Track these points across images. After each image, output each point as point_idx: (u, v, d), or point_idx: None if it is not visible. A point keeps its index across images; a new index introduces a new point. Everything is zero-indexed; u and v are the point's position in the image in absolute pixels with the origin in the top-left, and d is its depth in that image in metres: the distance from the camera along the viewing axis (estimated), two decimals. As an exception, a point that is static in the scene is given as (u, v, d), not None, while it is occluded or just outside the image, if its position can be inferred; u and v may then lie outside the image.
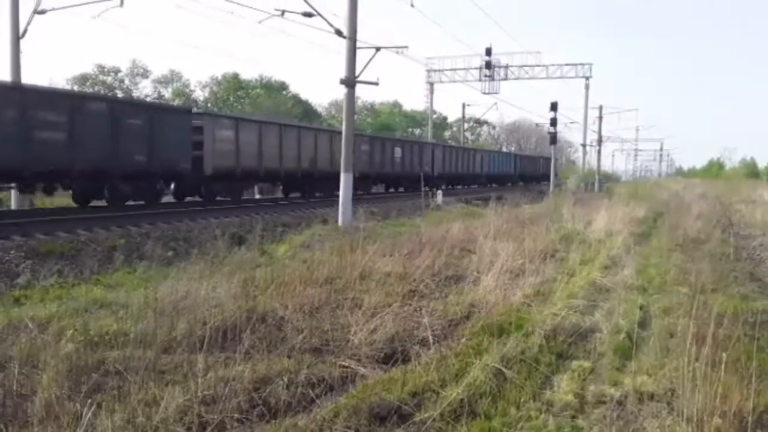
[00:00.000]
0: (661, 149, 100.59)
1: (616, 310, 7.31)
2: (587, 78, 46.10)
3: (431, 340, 6.13)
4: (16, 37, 20.31)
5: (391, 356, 5.76)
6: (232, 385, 4.65)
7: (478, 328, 6.50)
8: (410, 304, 7.21)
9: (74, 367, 4.93)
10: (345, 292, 7.66)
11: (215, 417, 4.26)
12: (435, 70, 47.59)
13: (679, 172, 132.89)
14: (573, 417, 4.70)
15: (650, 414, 4.68)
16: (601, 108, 55.06)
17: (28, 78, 20.30)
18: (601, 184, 52.66)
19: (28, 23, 20.42)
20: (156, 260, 10.06)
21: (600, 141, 57.53)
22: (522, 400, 4.89)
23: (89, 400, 4.13)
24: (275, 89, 60.46)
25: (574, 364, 5.76)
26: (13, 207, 19.57)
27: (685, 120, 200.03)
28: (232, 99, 59.18)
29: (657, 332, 6.45)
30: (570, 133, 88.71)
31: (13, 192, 18.83)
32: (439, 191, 29.84)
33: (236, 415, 4.36)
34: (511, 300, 7.53)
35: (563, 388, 5.20)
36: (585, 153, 56.14)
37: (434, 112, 56.00)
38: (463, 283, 8.61)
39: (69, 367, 4.86)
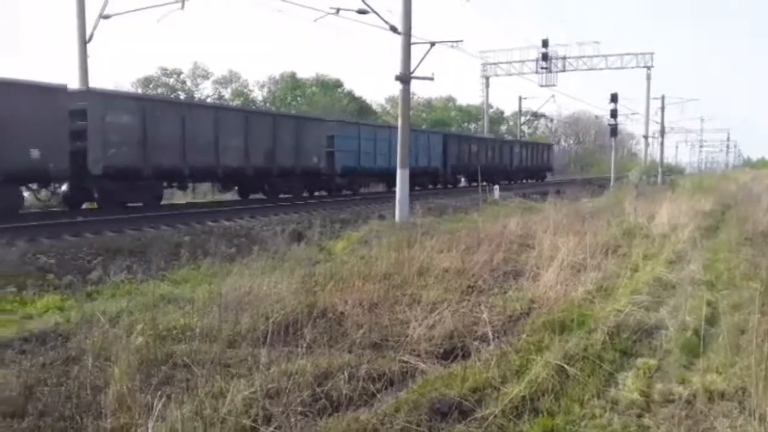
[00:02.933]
0: (728, 139, 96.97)
1: (682, 306, 7.10)
2: (648, 67, 44.69)
3: (491, 336, 6.09)
4: (83, 42, 21.07)
5: (451, 352, 5.75)
6: (295, 378, 4.74)
7: (539, 324, 6.42)
8: (469, 300, 7.18)
9: (144, 360, 5.11)
10: (403, 287, 7.68)
11: (279, 410, 4.35)
12: (490, 64, 47.08)
13: (747, 163, 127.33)
14: (639, 416, 4.60)
15: (720, 413, 4.54)
16: (663, 98, 53.30)
17: (95, 82, 20.99)
18: (664, 176, 51.08)
19: (94, 28, 21.14)
20: (219, 257, 10.32)
21: (663, 132, 55.78)
22: (585, 397, 4.81)
23: (159, 392, 4.28)
24: (330, 87, 60.98)
25: (640, 361, 5.63)
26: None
27: (754, 109, 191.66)
28: (289, 98, 60.00)
29: (726, 329, 6.23)
30: (631, 125, 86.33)
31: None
32: (496, 186, 29.54)
33: (300, 409, 4.43)
34: (572, 296, 7.40)
35: (628, 386, 5.09)
36: (647, 145, 54.50)
37: (490, 106, 55.40)
38: (522, 279, 8.53)
39: (139, 360, 5.03)
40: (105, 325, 5.72)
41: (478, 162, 35.00)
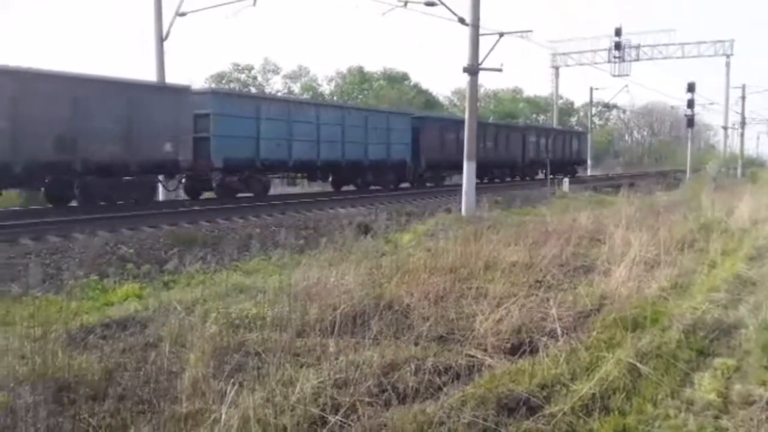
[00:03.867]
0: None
1: (764, 304, 6.78)
2: (728, 56, 42.75)
3: (560, 332, 5.99)
4: (160, 39, 21.82)
5: (518, 347, 5.69)
6: (362, 369, 4.80)
7: (610, 320, 6.27)
8: (537, 295, 7.06)
9: (217, 348, 5.26)
10: (469, 281, 7.64)
11: (347, 399, 4.41)
12: (560, 54, 46.08)
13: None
14: (716, 417, 4.43)
15: (805, 417, 4.32)
16: (744, 87, 50.88)
17: (172, 78, 21.78)
18: (745, 169, 48.74)
19: (171, 25, 21.88)
20: (288, 248, 10.54)
21: (743, 123, 53.25)
22: (659, 397, 4.67)
23: (232, 379, 4.41)
24: (397, 80, 61.04)
25: (717, 361, 5.41)
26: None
27: None
28: (356, 92, 60.43)
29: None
30: (708, 116, 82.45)
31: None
32: (566, 179, 28.91)
33: (367, 399, 4.49)
34: (645, 292, 7.19)
35: (705, 386, 4.90)
36: (726, 136, 52.18)
37: (560, 97, 54.19)
38: (592, 274, 8.33)
39: (213, 348, 5.20)
40: (181, 313, 5.94)
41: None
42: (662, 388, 4.78)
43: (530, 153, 36.01)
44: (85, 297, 7.79)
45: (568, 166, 41.10)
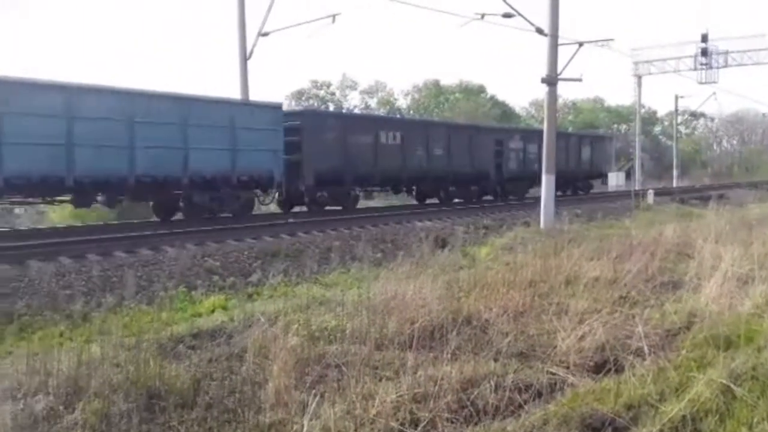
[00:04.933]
0: None
1: None
2: (824, 59, 40.12)
3: (646, 351, 5.77)
4: (244, 58, 22.61)
5: (602, 365, 5.52)
6: (441, 384, 4.78)
7: (701, 339, 5.99)
8: (621, 311, 6.85)
9: (299, 359, 5.37)
10: (549, 296, 7.50)
11: (426, 415, 4.41)
12: (643, 62, 44.61)
13: None
14: (818, 444, 4.15)
15: None
16: None
17: (255, 95, 22.52)
18: None
19: (254, 45, 22.65)
20: (366, 261, 10.66)
21: None
22: (754, 420, 4.42)
23: (313, 391, 4.50)
24: (473, 92, 60.79)
25: (819, 384, 5.08)
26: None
27: None
28: (432, 105, 60.56)
29: None
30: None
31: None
32: (651, 191, 27.90)
33: (446, 415, 4.47)
34: (738, 309, 6.83)
35: (805, 411, 4.61)
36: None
37: (642, 106, 52.40)
38: (680, 290, 7.99)
39: (295, 359, 5.31)
40: (264, 325, 6.10)
41: (420, 164, 23.32)
42: (758, 412, 4.53)
43: (509, 163, 27.59)
44: (174, 308, 8.14)
45: (579, 179, 32.45)
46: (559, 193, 29.50)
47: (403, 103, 62.53)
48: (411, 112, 58.40)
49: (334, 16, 22.20)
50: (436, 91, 61.75)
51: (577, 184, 32.65)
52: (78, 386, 4.67)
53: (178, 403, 4.69)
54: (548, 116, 17.72)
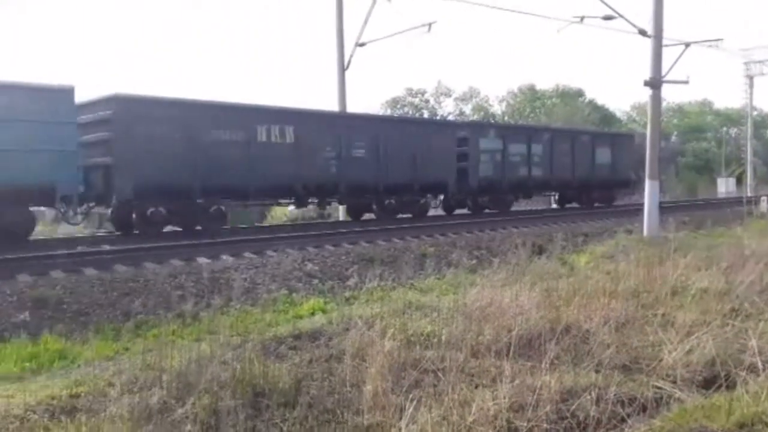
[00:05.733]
0: None
1: None
2: None
3: (761, 366, 5.44)
4: (342, 69, 23.16)
5: (712, 381, 5.25)
6: (539, 394, 4.71)
7: (824, 356, 5.59)
8: (733, 324, 6.49)
9: (395, 363, 5.45)
10: (654, 307, 7.20)
11: (524, 425, 4.36)
12: (755, 62, 41.97)
13: None
14: None
15: None
16: None
17: (352, 105, 23.11)
18: None
19: (351, 55, 23.15)
20: (461, 267, 10.65)
21: None
22: None
23: (410, 395, 4.55)
24: (571, 97, 59.22)
25: None
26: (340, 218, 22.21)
27: None
28: (528, 110, 59.51)
29: None
30: None
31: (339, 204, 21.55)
32: (764, 197, 26.15)
33: (545, 425, 4.40)
34: None
35: None
36: None
37: (754, 109, 49.22)
38: (801, 303, 7.47)
39: (391, 363, 5.39)
40: (362, 328, 6.22)
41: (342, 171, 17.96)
42: None
43: (483, 169, 22.27)
44: (276, 310, 8.45)
45: (591, 191, 26.73)
46: (555, 206, 27.48)
47: (498, 109, 61.83)
48: (506, 117, 57.56)
49: (429, 24, 22.39)
50: (531, 96, 60.64)
51: (593, 195, 26.79)
52: (188, 382, 4.93)
53: (281, 401, 4.85)
54: (652, 120, 17.01)
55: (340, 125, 18.55)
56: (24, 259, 10.40)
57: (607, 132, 36.11)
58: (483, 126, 25.47)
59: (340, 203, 20.36)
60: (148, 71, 74.50)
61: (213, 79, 74.95)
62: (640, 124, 52.38)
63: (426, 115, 54.42)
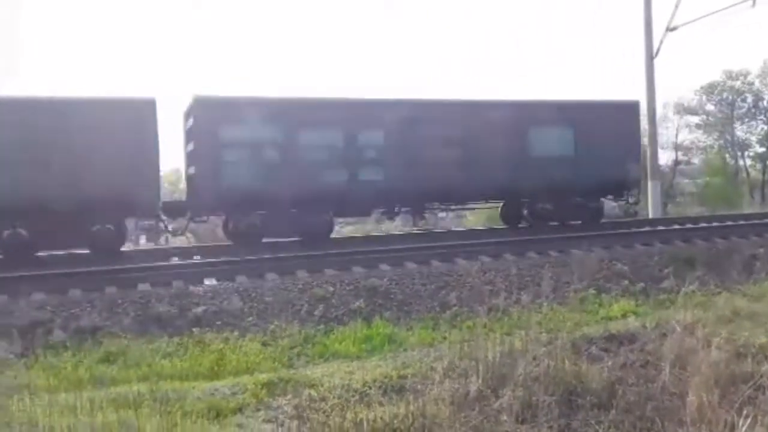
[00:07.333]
0: None
1: None
2: None
3: None
4: (650, 56, 21.61)
5: None
6: None
7: None
8: None
9: (722, 376, 5.00)
10: None
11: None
12: None
13: None
14: None
15: None
16: None
17: (661, 95, 21.48)
18: None
19: (661, 42, 21.48)
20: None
21: None
22: None
23: (744, 411, 4.14)
24: None
25: None
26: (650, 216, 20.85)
27: None
28: None
29: None
30: None
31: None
32: None
33: None
34: None
35: None
36: None
37: None
38: None
39: (717, 375, 4.96)
40: (681, 335, 5.82)
41: None
42: None
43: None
44: (585, 309, 8.33)
45: (563, 203, 16.31)
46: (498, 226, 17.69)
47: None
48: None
49: (754, -2, 19.63)
50: None
51: (563, 211, 16.47)
52: (502, 374, 5.16)
53: (594, 402, 4.82)
54: None
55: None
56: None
57: (579, 103, 17.67)
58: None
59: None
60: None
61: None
62: None
63: (749, 100, 47.62)
